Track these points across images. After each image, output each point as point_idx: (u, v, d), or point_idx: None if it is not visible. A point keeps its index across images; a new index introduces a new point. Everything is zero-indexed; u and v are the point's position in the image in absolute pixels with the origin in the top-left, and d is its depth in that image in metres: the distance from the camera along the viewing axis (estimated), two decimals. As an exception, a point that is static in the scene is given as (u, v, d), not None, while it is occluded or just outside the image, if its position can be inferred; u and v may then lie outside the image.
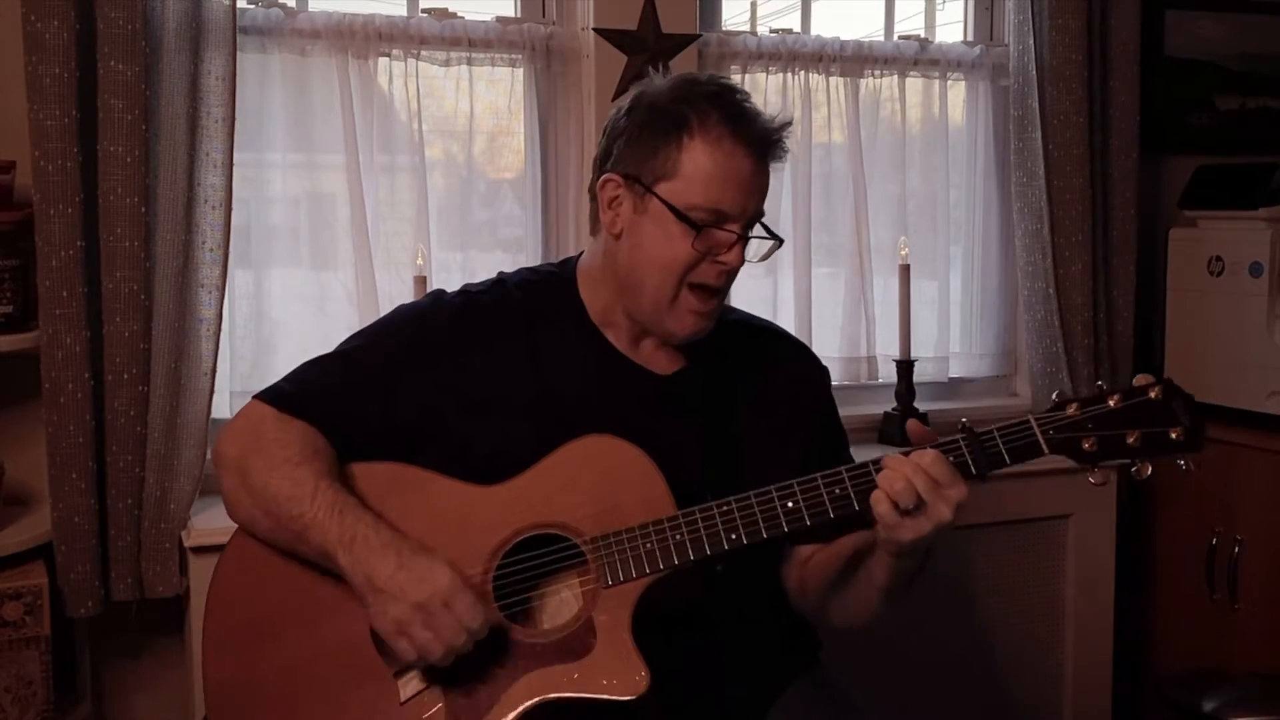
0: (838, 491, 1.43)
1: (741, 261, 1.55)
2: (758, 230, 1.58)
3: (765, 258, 1.63)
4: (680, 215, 1.51)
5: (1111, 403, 1.42)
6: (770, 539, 1.44)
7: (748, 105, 1.55)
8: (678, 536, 1.44)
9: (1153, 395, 1.42)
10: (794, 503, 1.43)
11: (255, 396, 1.60)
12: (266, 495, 1.49)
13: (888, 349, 2.70)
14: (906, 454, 1.40)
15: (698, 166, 1.51)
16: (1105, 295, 2.79)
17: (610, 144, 1.59)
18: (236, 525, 1.56)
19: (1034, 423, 1.42)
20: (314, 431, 1.54)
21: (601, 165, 1.60)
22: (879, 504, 1.38)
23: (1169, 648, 2.85)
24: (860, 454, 1.54)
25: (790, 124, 1.58)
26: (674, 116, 1.53)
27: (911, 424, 1.46)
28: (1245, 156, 2.88)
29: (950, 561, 2.59)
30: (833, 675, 1.69)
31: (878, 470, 1.41)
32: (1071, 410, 1.42)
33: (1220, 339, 2.68)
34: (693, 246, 1.51)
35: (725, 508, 1.44)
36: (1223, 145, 3.01)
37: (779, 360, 1.71)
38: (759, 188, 1.55)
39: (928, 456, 1.38)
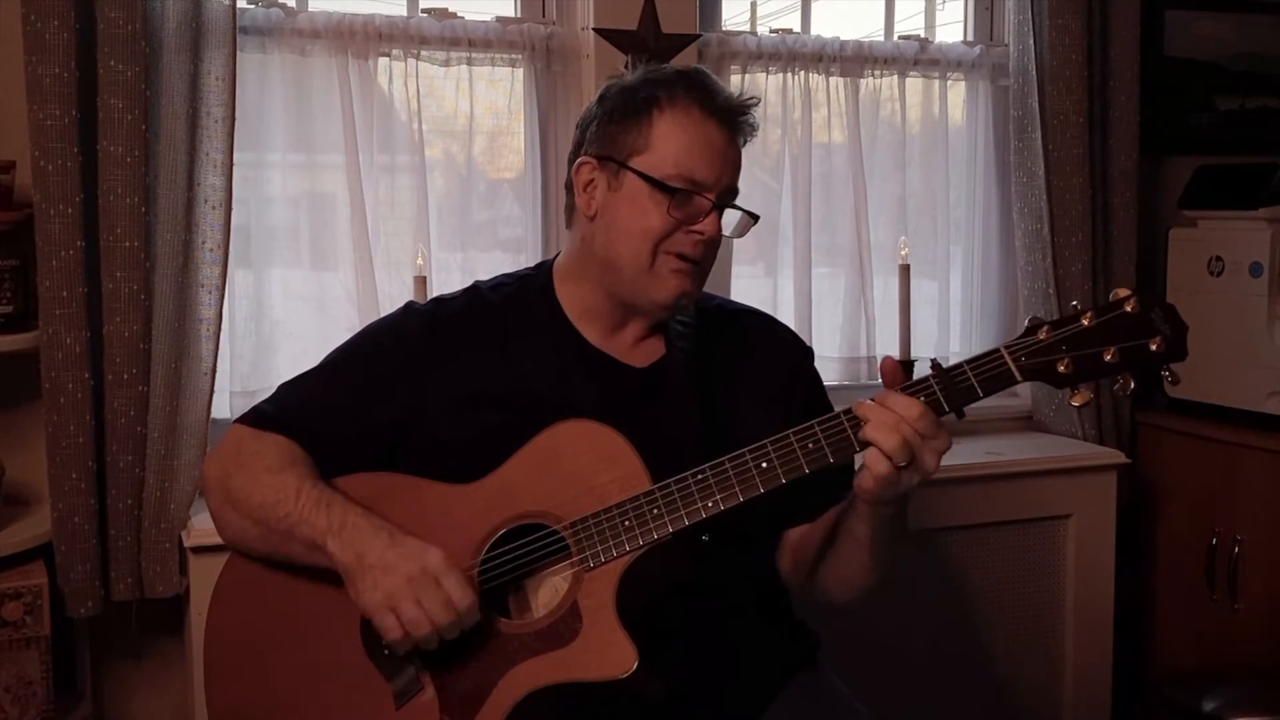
0: (811, 446, 1.41)
1: (717, 231, 1.56)
2: (735, 204, 1.60)
3: (743, 233, 1.66)
4: (656, 183, 1.54)
5: (1085, 321, 1.36)
6: (749, 502, 1.42)
7: (714, 82, 1.60)
8: (655, 510, 1.42)
9: (1129, 309, 1.36)
10: (768, 462, 1.41)
11: (236, 420, 1.63)
12: (251, 504, 1.50)
13: (888, 349, 2.69)
14: (879, 401, 1.38)
15: (669, 137, 1.54)
16: (1105, 295, 2.78)
17: (582, 134, 1.63)
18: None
19: (1004, 352, 1.38)
20: (291, 443, 1.56)
21: (574, 158, 1.63)
22: (878, 464, 1.36)
23: (1169, 648, 2.85)
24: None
25: (758, 102, 1.61)
26: (644, 95, 1.57)
27: (886, 361, 1.45)
28: (1245, 156, 2.88)
29: (951, 561, 2.60)
30: (831, 676, 1.68)
31: (850, 420, 1.40)
32: (1043, 334, 1.37)
33: (1220, 339, 2.67)
34: (668, 213, 1.53)
35: (700, 475, 1.43)
36: (1223, 145, 3.01)
37: (757, 339, 1.72)
38: (731, 160, 1.57)
39: (914, 410, 1.36)
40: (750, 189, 2.58)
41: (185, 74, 2.11)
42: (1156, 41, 2.93)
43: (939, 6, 2.98)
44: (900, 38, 2.79)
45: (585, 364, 1.61)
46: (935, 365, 1.42)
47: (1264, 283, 2.62)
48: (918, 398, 1.38)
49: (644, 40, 2.43)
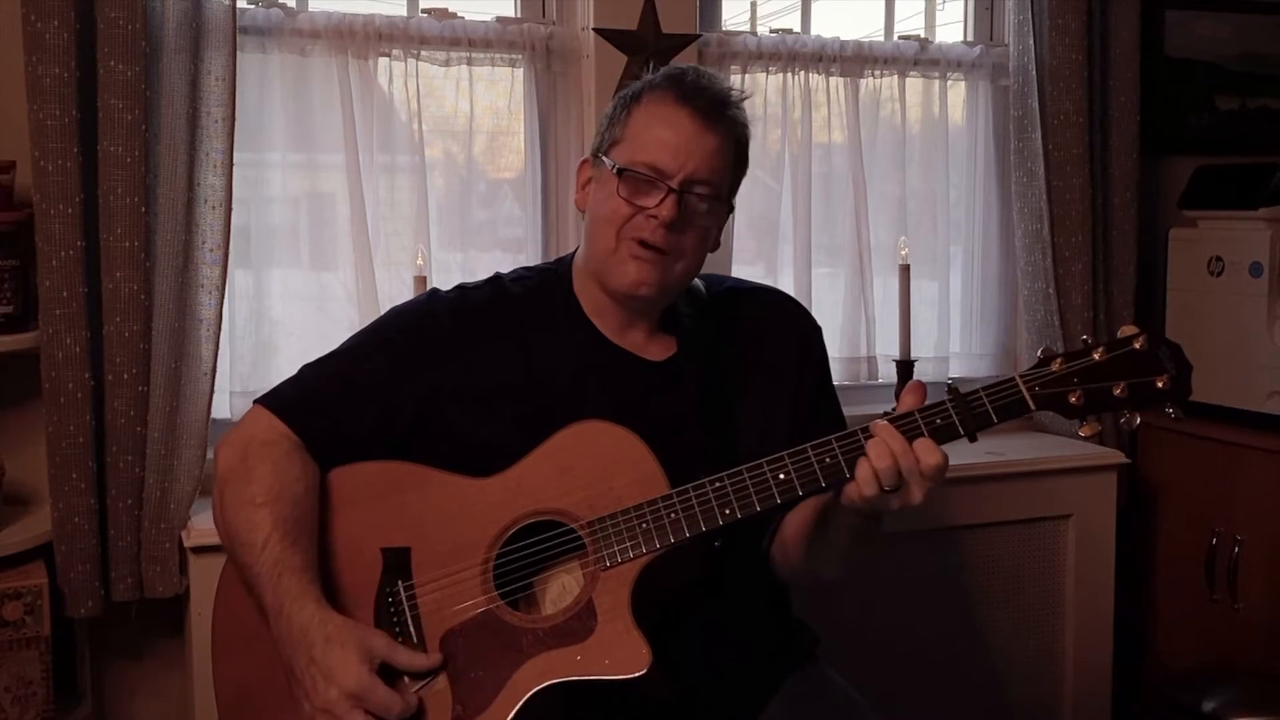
0: (828, 460, 1.43)
1: (671, 215, 1.54)
2: (697, 193, 1.57)
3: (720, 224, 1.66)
4: (614, 168, 1.57)
5: (1096, 355, 1.42)
6: (764, 512, 1.45)
7: (699, 76, 1.61)
8: (673, 515, 1.44)
9: (1137, 346, 1.42)
10: (785, 474, 1.44)
11: (257, 401, 1.62)
12: (229, 533, 1.52)
13: (888, 349, 2.69)
14: (898, 423, 1.41)
15: (639, 126, 1.58)
16: (1105, 295, 2.79)
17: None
18: None
19: (1019, 381, 1.43)
20: (289, 459, 1.53)
21: None
22: (861, 469, 1.40)
23: (1169, 648, 2.85)
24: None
25: (741, 94, 1.62)
26: (632, 93, 1.62)
27: (911, 386, 1.46)
28: (1245, 156, 2.88)
29: (951, 561, 2.60)
30: (831, 673, 1.69)
31: (867, 437, 1.42)
32: (1056, 366, 1.42)
33: (1220, 339, 2.67)
34: (617, 192, 1.56)
35: (718, 484, 1.45)
36: (1223, 145, 3.01)
37: (768, 320, 1.73)
38: (701, 149, 1.56)
39: (924, 446, 1.39)
40: (750, 189, 2.60)
41: (185, 74, 2.11)
42: (1156, 41, 2.93)
43: (939, 6, 2.98)
44: (900, 38, 2.79)
45: (601, 359, 1.63)
46: (951, 389, 1.44)
47: (1264, 283, 2.62)
48: (934, 420, 1.41)
49: (644, 40, 2.43)
